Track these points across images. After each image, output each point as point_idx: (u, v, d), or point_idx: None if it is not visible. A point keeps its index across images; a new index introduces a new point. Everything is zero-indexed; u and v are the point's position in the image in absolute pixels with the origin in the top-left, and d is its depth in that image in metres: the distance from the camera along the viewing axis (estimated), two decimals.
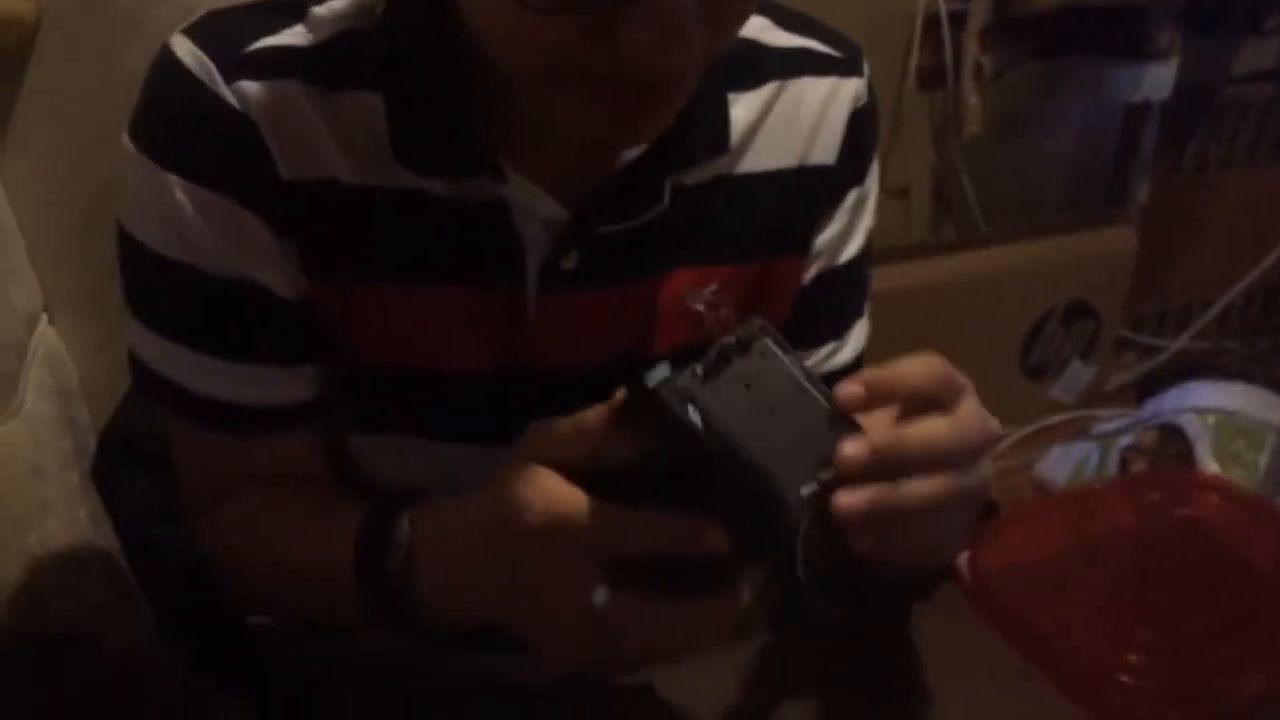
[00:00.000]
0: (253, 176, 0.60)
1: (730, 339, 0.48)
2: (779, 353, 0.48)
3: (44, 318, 0.94)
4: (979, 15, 1.54)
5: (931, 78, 1.61)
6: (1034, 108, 1.72)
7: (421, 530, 0.58)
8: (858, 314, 0.77)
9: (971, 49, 1.55)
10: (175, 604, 0.94)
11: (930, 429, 0.50)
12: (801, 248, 0.72)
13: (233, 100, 0.59)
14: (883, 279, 1.61)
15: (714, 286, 0.68)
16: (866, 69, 0.72)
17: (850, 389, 0.49)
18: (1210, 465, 1.44)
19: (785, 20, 0.70)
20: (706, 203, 0.67)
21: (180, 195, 0.60)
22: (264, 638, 0.94)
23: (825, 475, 0.47)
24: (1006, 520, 0.71)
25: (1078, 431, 1.74)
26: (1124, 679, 0.58)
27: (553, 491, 0.50)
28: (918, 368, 0.51)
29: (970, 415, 0.51)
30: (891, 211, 1.72)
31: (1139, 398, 1.78)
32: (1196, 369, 1.82)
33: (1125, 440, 1.57)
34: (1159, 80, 1.60)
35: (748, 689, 0.75)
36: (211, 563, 0.71)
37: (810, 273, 0.73)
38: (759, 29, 0.69)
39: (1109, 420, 1.71)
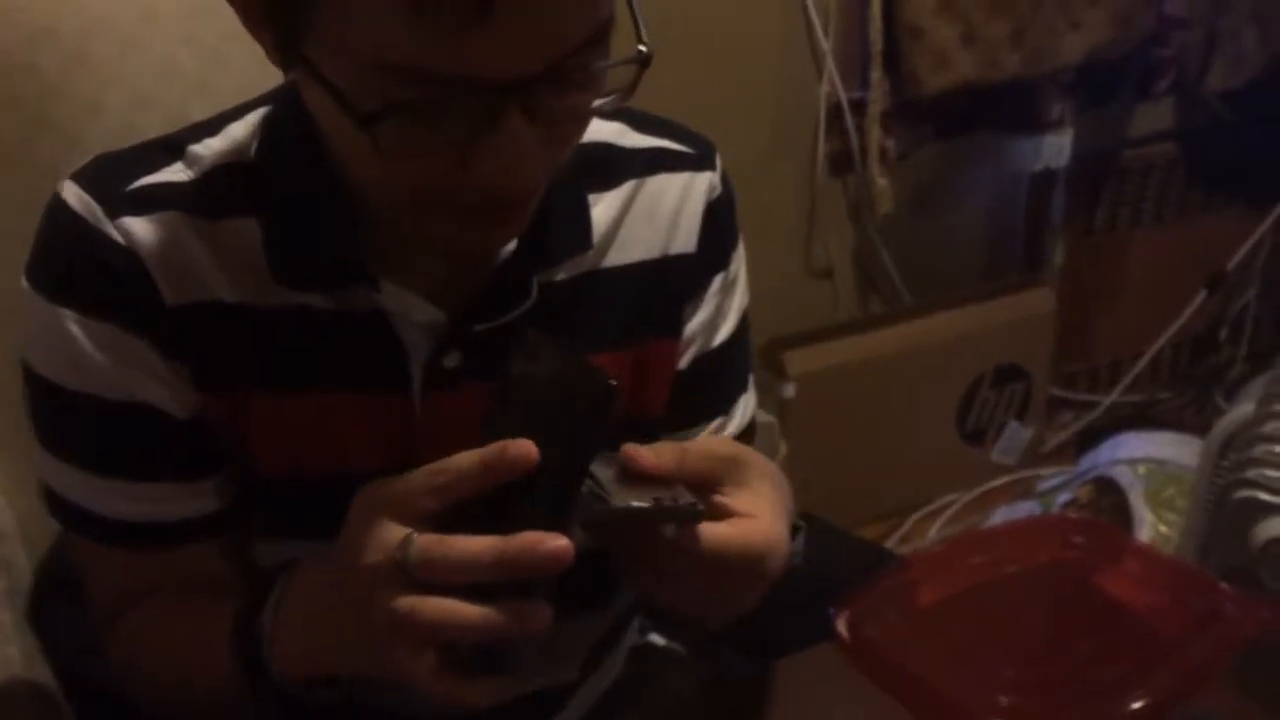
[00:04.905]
0: (139, 304, 0.64)
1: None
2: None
3: None
4: (878, 101, 1.62)
5: (841, 163, 1.68)
6: (943, 184, 1.79)
7: (290, 584, 0.62)
8: (741, 388, 0.81)
9: (874, 134, 1.63)
10: None
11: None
12: (673, 331, 0.75)
13: (116, 235, 0.64)
14: (815, 358, 1.67)
15: None
16: (719, 163, 0.77)
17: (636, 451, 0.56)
18: (1144, 514, 1.47)
19: (640, 124, 0.75)
20: (579, 296, 0.71)
21: (73, 327, 0.64)
22: None
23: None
24: (886, 575, 0.74)
25: (1022, 492, 1.77)
26: None
27: (388, 530, 0.54)
28: (700, 448, 0.58)
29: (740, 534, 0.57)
30: (818, 292, 1.78)
31: (1078, 455, 1.82)
32: (1132, 422, 1.86)
33: (1063, 496, 1.60)
34: (1056, 149, 1.68)
35: None
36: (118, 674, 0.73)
37: (688, 356, 0.77)
38: (616, 134, 0.74)
39: (1050, 479, 1.74)
